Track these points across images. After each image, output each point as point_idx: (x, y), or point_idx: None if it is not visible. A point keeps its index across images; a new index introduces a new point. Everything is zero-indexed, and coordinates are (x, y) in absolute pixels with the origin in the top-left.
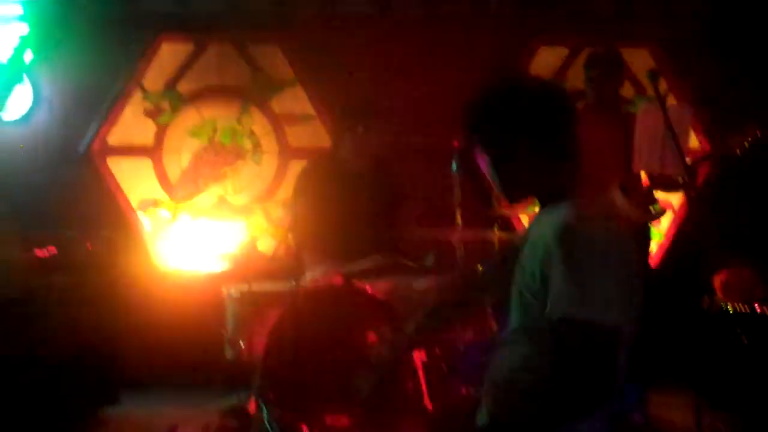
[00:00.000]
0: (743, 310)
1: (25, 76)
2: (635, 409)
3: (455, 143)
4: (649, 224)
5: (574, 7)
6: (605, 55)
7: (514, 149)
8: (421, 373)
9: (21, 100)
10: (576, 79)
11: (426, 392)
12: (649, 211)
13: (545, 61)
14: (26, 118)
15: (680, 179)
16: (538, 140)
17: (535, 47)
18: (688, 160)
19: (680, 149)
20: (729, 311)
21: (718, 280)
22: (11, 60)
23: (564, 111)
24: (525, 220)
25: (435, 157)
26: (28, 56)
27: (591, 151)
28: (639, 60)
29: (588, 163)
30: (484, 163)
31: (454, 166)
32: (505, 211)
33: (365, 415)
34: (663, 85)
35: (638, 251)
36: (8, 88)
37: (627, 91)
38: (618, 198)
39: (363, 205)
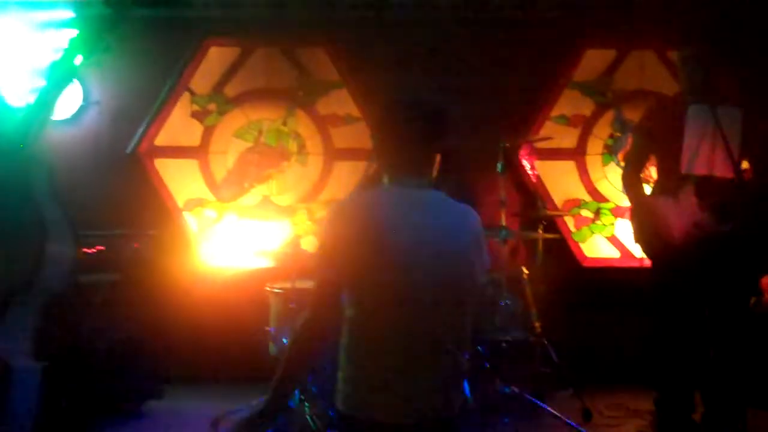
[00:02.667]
0: None
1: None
2: None
3: (505, 144)
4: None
5: (620, 10)
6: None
7: None
8: None
9: (71, 100)
10: (622, 81)
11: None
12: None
13: (590, 64)
14: (76, 118)
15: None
16: None
17: (581, 49)
18: (738, 161)
19: (730, 150)
20: None
21: (766, 281)
22: (61, 62)
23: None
24: (570, 220)
25: (481, 158)
26: (78, 59)
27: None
28: None
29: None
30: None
31: (499, 166)
32: (551, 212)
33: None
34: (712, 87)
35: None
36: (58, 90)
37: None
38: (689, 198)
39: None
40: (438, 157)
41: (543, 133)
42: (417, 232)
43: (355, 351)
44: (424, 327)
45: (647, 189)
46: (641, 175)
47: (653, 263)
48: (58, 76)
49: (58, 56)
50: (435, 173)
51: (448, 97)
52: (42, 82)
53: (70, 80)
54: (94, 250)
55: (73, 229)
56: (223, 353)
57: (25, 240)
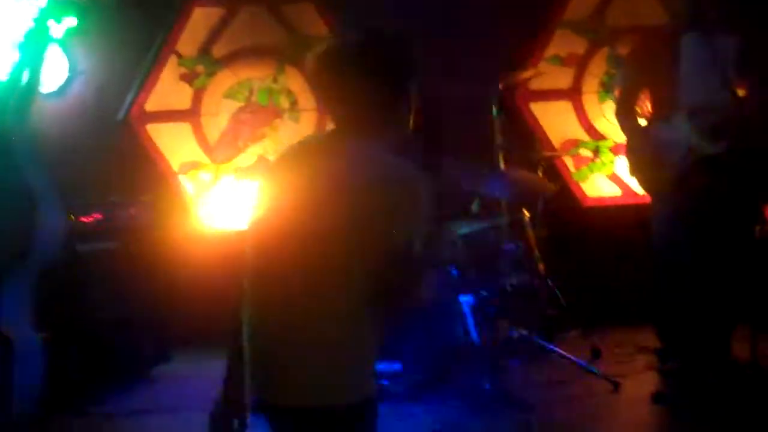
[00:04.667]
0: None
1: (59, 49)
2: None
3: (498, 87)
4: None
5: None
6: None
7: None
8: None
9: (57, 72)
10: (614, 17)
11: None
12: (718, 142)
13: (581, 2)
14: (63, 89)
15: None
16: None
17: None
18: (736, 90)
19: (725, 78)
20: None
21: None
22: (34, 30)
23: None
24: (569, 160)
25: (474, 103)
26: (52, 26)
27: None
28: None
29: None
30: None
31: (494, 110)
32: (549, 153)
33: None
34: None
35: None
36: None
37: None
38: (683, 125)
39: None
40: (406, 103)
41: (535, 70)
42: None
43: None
44: (300, 288)
45: (642, 123)
46: (635, 109)
47: (652, 195)
48: (34, 45)
49: (32, 25)
50: (404, 122)
51: (436, 40)
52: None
53: (45, 47)
54: (92, 219)
55: (61, 196)
56: (226, 314)
57: (15, 211)
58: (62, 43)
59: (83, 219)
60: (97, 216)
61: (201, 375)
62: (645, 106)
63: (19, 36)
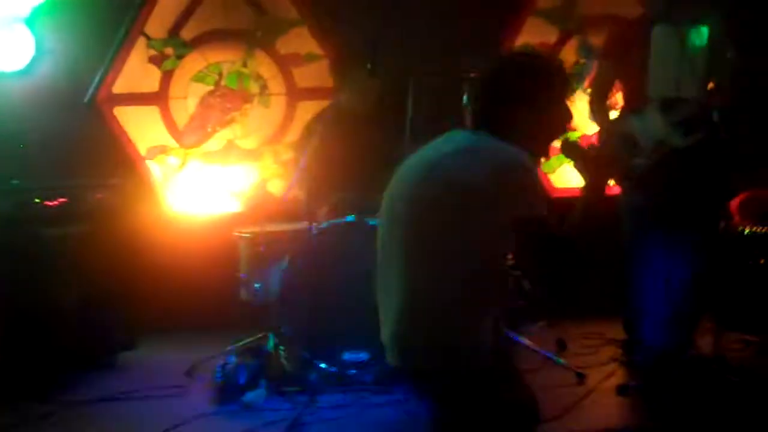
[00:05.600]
0: (760, 232)
1: (25, 27)
2: None
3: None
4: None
5: None
6: None
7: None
8: None
9: (23, 50)
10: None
11: None
12: (690, 135)
13: None
14: (29, 68)
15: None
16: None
17: None
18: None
19: (696, 70)
20: (745, 234)
21: (734, 204)
22: None
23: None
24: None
25: (446, 90)
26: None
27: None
28: None
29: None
30: None
31: (465, 98)
32: None
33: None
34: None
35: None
36: None
37: None
38: (654, 117)
39: (370, 146)
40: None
41: None
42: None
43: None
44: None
45: (614, 115)
46: (607, 102)
47: (620, 188)
48: None
49: None
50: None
51: (407, 26)
52: None
53: None
54: (57, 203)
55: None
56: (195, 301)
57: None
58: (29, 21)
59: (48, 203)
60: (63, 200)
61: (167, 362)
62: (615, 98)
63: None
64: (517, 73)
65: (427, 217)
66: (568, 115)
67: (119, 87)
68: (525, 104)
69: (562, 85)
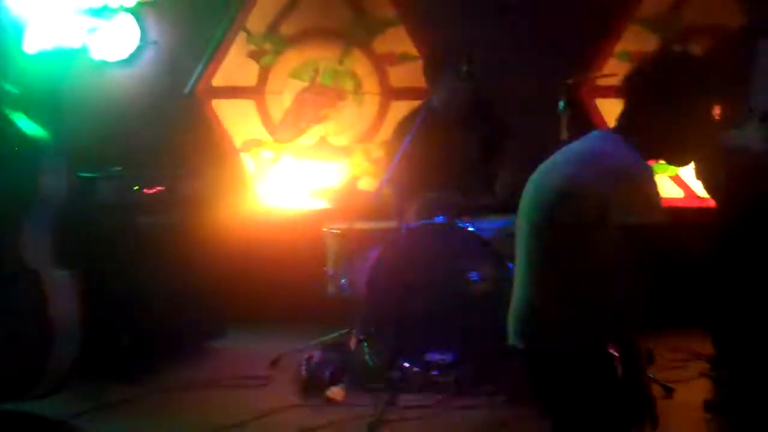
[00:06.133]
0: None
1: (131, 18)
2: None
3: (564, 81)
4: None
5: None
6: None
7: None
8: None
9: (129, 41)
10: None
11: None
12: None
13: None
14: (133, 58)
15: None
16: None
17: None
18: None
19: None
20: None
21: None
22: None
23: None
24: None
25: (541, 97)
26: None
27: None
28: None
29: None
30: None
31: (561, 104)
32: None
33: (467, 352)
34: None
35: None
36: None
37: None
38: (756, 131)
39: (460, 148)
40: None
41: (606, 70)
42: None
43: None
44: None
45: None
46: None
47: (717, 201)
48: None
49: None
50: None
51: (504, 30)
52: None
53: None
54: (154, 191)
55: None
56: (282, 294)
57: (19, 157)
58: (134, 11)
59: (146, 191)
60: (160, 188)
61: (253, 353)
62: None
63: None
64: (671, 71)
65: (543, 219)
66: (710, 126)
67: (218, 80)
68: (669, 105)
69: (710, 90)
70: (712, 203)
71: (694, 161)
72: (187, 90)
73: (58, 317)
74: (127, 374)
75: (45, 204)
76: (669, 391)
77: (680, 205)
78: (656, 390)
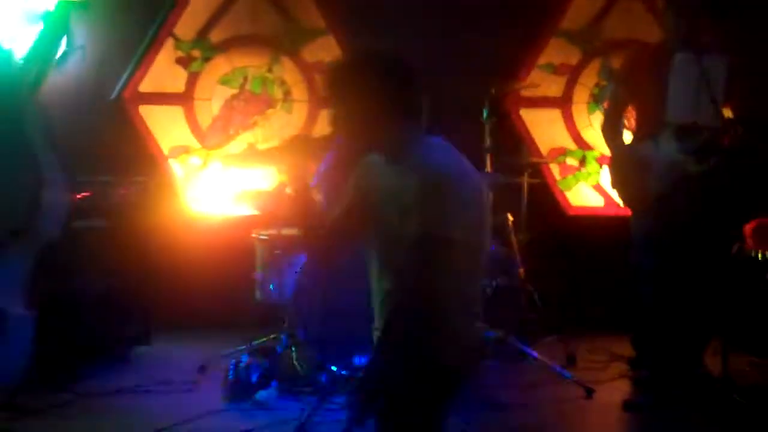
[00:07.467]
0: None
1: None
2: None
3: (491, 91)
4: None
5: None
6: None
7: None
8: None
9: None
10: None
11: None
12: (704, 161)
13: (578, 12)
14: (60, 63)
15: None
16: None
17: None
18: (723, 110)
19: (715, 99)
20: (758, 258)
21: (748, 229)
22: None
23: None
24: (555, 168)
25: (466, 105)
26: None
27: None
28: None
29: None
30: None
31: (485, 113)
32: (536, 159)
33: None
34: (702, 34)
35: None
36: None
37: None
38: (669, 143)
39: None
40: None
41: (530, 80)
42: None
43: None
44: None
45: (629, 136)
46: (622, 124)
47: (632, 210)
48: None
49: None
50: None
51: (429, 40)
52: (37, 28)
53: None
54: (81, 196)
55: (66, 174)
56: (210, 299)
57: (21, 186)
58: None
59: (75, 196)
60: (87, 194)
61: (181, 357)
62: (631, 121)
63: (33, 8)
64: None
65: None
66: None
67: (146, 86)
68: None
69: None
70: (629, 212)
71: (609, 171)
72: (113, 95)
73: (9, 356)
74: (51, 380)
75: (35, 239)
76: (590, 392)
77: (600, 213)
78: (578, 391)
